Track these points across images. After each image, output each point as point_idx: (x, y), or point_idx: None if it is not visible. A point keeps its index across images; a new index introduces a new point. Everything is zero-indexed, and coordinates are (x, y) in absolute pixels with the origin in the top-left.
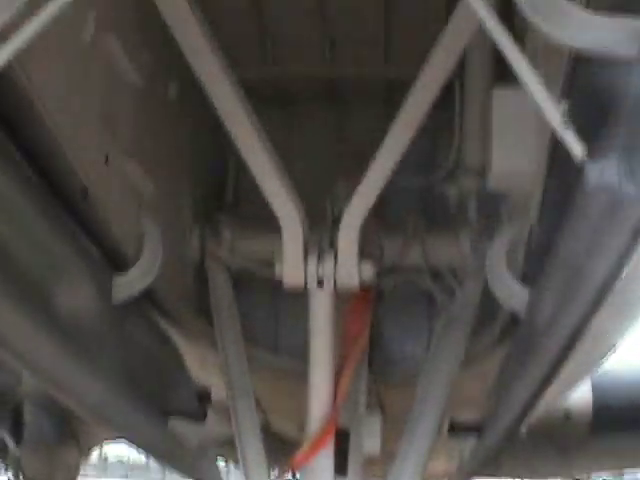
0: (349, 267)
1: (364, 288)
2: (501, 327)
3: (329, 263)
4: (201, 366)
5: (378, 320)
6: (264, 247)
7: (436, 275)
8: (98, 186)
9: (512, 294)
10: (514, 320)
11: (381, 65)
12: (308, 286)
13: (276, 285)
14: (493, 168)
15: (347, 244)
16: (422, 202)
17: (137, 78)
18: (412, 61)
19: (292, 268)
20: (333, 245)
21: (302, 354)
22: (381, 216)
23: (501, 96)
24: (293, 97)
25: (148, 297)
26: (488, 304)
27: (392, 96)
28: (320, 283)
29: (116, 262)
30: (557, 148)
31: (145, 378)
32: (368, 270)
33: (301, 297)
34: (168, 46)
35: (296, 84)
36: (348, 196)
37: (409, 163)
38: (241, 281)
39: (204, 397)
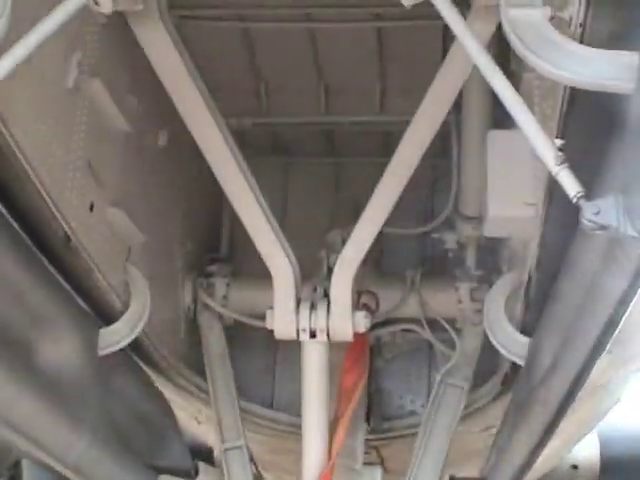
0: (342, 318)
1: (359, 339)
2: (502, 378)
3: (322, 314)
4: (194, 422)
5: (376, 372)
6: (258, 299)
7: (435, 325)
8: (83, 235)
9: (512, 343)
10: (515, 371)
11: (377, 114)
12: (300, 338)
13: (271, 338)
14: (489, 212)
15: (340, 294)
16: (420, 251)
17: (124, 124)
18: (408, 110)
19: (283, 319)
20: (327, 295)
21: (298, 409)
22: (378, 265)
23: (496, 137)
24: (288, 147)
25: (137, 350)
26: (489, 355)
27: (388, 145)
28: (313, 334)
29: (103, 314)
30: (554, 190)
31: (133, 434)
32: (362, 321)
33: (297, 350)
34: (157, 93)
35: (291, 133)
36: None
37: (407, 211)
38: (235, 334)
39: (196, 454)
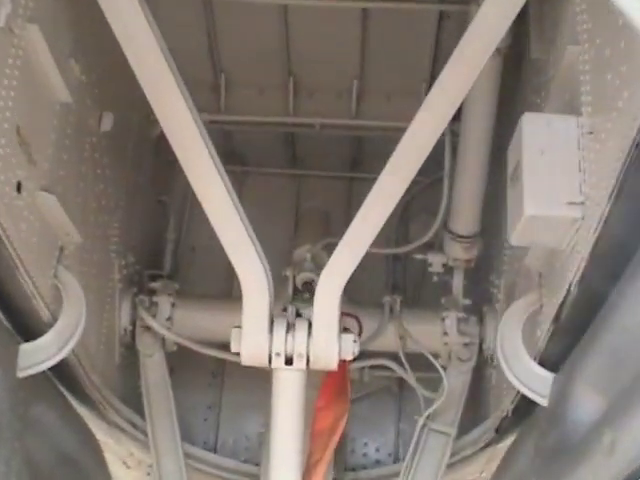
0: (327, 341)
1: (339, 369)
2: (497, 424)
3: (301, 335)
4: (121, 466)
5: None
6: (206, 323)
7: (414, 362)
8: (5, 220)
9: (531, 379)
10: (521, 412)
11: (352, 117)
12: (272, 365)
13: (218, 369)
14: (525, 211)
15: (325, 312)
16: (400, 277)
17: (63, 92)
18: (387, 115)
19: (253, 341)
20: (302, 317)
21: (253, 455)
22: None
23: (532, 122)
24: (245, 153)
25: (63, 375)
26: (478, 396)
27: (358, 157)
28: (288, 361)
29: (25, 326)
30: (623, 185)
31: (54, 476)
32: (350, 346)
33: (252, 384)
34: (104, 67)
35: (250, 138)
36: (315, 263)
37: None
38: (179, 364)
39: None
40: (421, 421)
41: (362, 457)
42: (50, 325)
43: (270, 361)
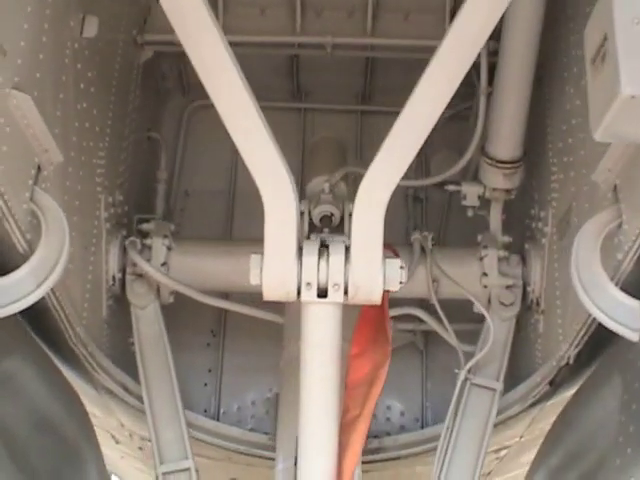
0: (370, 268)
1: (377, 306)
2: (551, 376)
3: (338, 261)
4: (115, 441)
5: None
6: (212, 268)
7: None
8: None
9: (617, 309)
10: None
11: (363, 35)
12: (302, 298)
13: (219, 329)
14: (621, 91)
15: (366, 235)
16: (421, 219)
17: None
18: (403, 33)
19: (279, 270)
20: (336, 241)
21: (260, 423)
22: None
23: None
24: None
25: (42, 326)
26: (521, 348)
27: (370, 84)
28: (322, 293)
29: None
30: None
31: (32, 448)
32: (397, 273)
33: (257, 343)
34: None
35: (250, 67)
36: (334, 195)
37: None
38: (173, 322)
39: None
40: (462, 375)
41: (385, 422)
42: (26, 257)
43: (299, 293)
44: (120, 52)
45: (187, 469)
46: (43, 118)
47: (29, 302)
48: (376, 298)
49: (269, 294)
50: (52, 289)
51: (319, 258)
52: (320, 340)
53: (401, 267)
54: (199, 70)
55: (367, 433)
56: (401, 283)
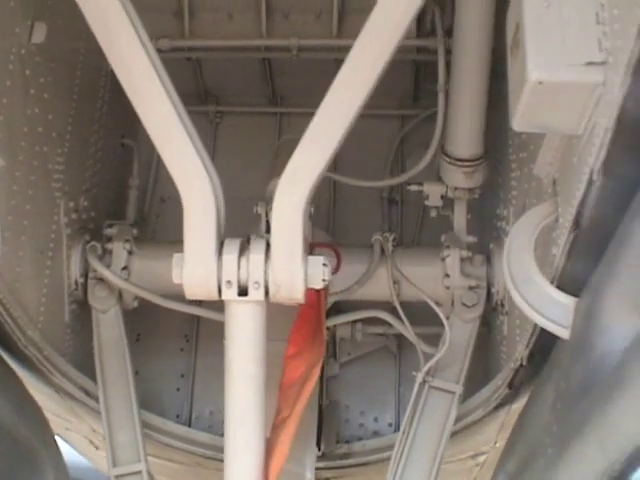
0: (290, 263)
1: (311, 302)
2: (509, 378)
3: (257, 259)
4: (89, 446)
5: (329, 379)
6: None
7: (411, 315)
8: None
9: (549, 307)
10: (537, 358)
11: (332, 37)
12: (223, 296)
13: (187, 326)
14: (528, 76)
15: (285, 231)
16: (397, 221)
17: None
18: None
19: (199, 268)
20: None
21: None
22: (331, 232)
23: None
24: (217, 90)
25: None
26: (487, 351)
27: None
28: (243, 291)
29: None
30: None
31: None
32: (319, 270)
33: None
34: None
35: (222, 71)
36: None
37: (369, 169)
38: (146, 329)
39: None
40: (420, 377)
41: (358, 428)
42: None
43: (220, 292)
44: (82, 59)
45: (139, 472)
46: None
47: None
48: (299, 296)
49: (191, 293)
50: None
51: (240, 256)
52: (243, 339)
53: (324, 264)
54: (115, 67)
55: (297, 433)
56: (324, 281)
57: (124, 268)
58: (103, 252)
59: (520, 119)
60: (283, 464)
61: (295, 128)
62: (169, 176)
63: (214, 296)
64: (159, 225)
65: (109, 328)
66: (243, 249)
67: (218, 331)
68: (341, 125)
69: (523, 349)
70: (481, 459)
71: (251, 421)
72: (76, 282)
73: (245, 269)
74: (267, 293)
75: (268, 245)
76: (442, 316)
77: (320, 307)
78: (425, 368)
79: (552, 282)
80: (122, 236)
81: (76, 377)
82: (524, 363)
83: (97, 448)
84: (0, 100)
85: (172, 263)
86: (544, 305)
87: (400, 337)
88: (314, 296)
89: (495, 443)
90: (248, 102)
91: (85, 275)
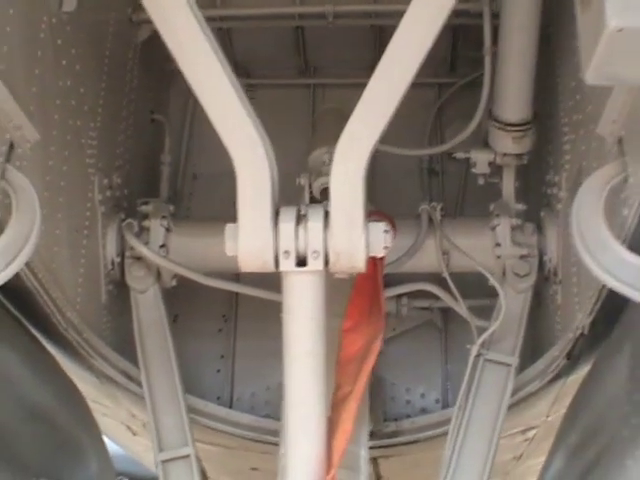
0: (350, 232)
1: (370, 274)
2: (567, 348)
3: (316, 228)
4: (126, 432)
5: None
6: (213, 249)
7: (458, 287)
8: None
9: (622, 269)
10: (599, 327)
11: (365, 3)
12: (281, 267)
13: (230, 314)
14: (606, 23)
15: (346, 198)
16: (437, 193)
17: None
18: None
19: (254, 239)
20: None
21: (275, 409)
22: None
23: None
24: (248, 63)
25: (29, 312)
26: (538, 322)
27: (380, 54)
28: (301, 261)
29: None
30: None
31: (23, 441)
32: (381, 238)
33: (270, 326)
34: None
35: (252, 43)
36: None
37: (407, 137)
38: (184, 309)
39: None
40: (475, 350)
41: (405, 405)
42: None
43: (277, 264)
44: (112, 30)
45: (187, 456)
46: (12, 93)
47: None
48: (360, 265)
49: (246, 265)
50: (33, 272)
51: (297, 225)
52: (302, 312)
53: (385, 231)
54: (169, 43)
55: (359, 410)
56: (386, 248)
57: (162, 246)
58: (140, 230)
59: (594, 71)
60: (346, 444)
61: (329, 100)
62: (201, 152)
63: (270, 267)
64: (192, 202)
65: (149, 308)
66: (299, 218)
67: (257, 310)
68: (397, 90)
69: (585, 317)
70: (531, 434)
71: (312, 399)
72: (112, 262)
73: (303, 238)
74: (327, 263)
75: (326, 213)
76: (497, 286)
77: (377, 278)
78: (480, 340)
79: (624, 244)
80: (159, 213)
81: (116, 360)
82: (585, 332)
83: (135, 434)
84: (32, 71)
85: (225, 234)
86: (617, 268)
87: (446, 311)
88: (370, 266)
89: (547, 417)
90: (280, 74)
91: (121, 254)
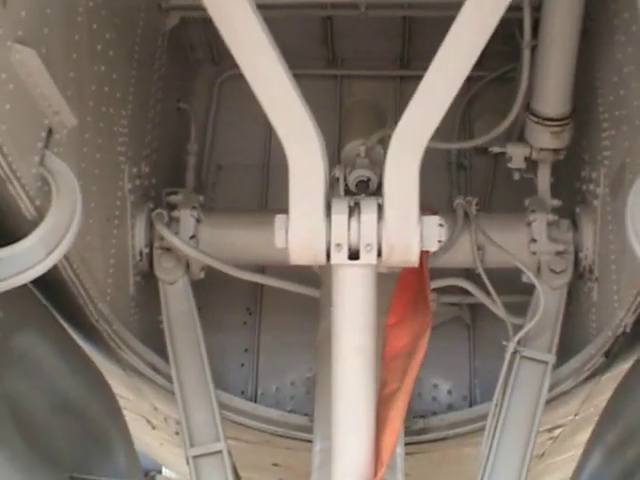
0: (405, 226)
1: (417, 270)
2: (606, 347)
3: (370, 221)
4: (151, 427)
5: None
6: (244, 241)
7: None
8: None
9: None
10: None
11: None
12: (333, 260)
13: (255, 307)
14: None
15: (401, 190)
16: (465, 187)
17: None
18: None
19: (306, 230)
20: (368, 198)
21: (300, 404)
22: None
23: None
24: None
25: (61, 302)
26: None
27: (409, 47)
28: (354, 255)
29: (3, 225)
30: None
31: (53, 432)
32: (435, 231)
33: (295, 320)
34: None
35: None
36: (371, 159)
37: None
38: (207, 301)
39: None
40: (511, 347)
41: (432, 402)
42: (35, 225)
43: (328, 256)
44: (143, 16)
45: (219, 452)
46: (53, 77)
47: (38, 272)
48: (413, 259)
49: (296, 257)
50: (69, 261)
51: (349, 217)
52: (353, 306)
53: (440, 224)
54: (223, 31)
55: (407, 408)
56: (440, 242)
57: (192, 237)
58: (169, 220)
59: None
60: (396, 442)
61: (356, 91)
62: (225, 143)
63: (321, 260)
64: (217, 193)
65: (178, 300)
66: (353, 210)
67: (282, 304)
68: (454, 82)
69: (627, 315)
70: (557, 432)
71: (361, 395)
72: (141, 252)
73: (356, 230)
74: (380, 256)
75: (379, 206)
76: (536, 282)
77: (423, 272)
78: (517, 337)
79: None
80: (189, 203)
81: (144, 352)
82: (628, 330)
83: (154, 428)
84: (70, 55)
85: (274, 225)
86: None
87: (474, 307)
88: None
89: (575, 415)
90: (306, 65)
91: (150, 245)
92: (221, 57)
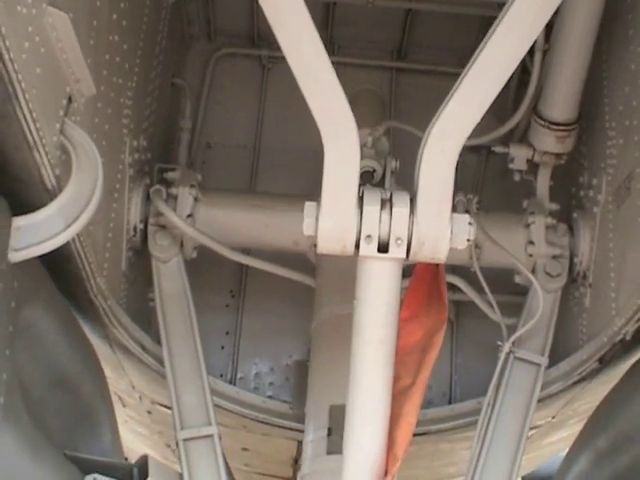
0: (438, 222)
1: (434, 267)
2: (601, 351)
3: (402, 215)
4: (122, 404)
5: None
6: (240, 222)
7: (471, 277)
8: (11, 36)
9: None
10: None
11: None
12: (362, 252)
13: (238, 290)
14: None
15: (435, 185)
16: (465, 177)
17: None
18: None
19: (337, 220)
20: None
21: (279, 391)
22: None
23: None
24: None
25: (62, 274)
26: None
27: (408, 39)
28: (383, 247)
29: (21, 193)
30: None
31: (51, 409)
32: (465, 229)
33: (278, 306)
34: None
35: None
36: (377, 150)
37: None
38: (195, 275)
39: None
40: (506, 348)
41: None
42: (54, 195)
43: (358, 247)
44: None
45: (210, 436)
46: (81, 48)
47: (57, 243)
48: (442, 256)
49: (324, 247)
50: (77, 234)
51: (381, 209)
52: (378, 300)
53: (469, 223)
54: (269, 15)
55: (421, 404)
56: (468, 241)
57: (189, 215)
58: (167, 197)
59: None
60: (410, 437)
61: (349, 79)
62: (216, 121)
63: (349, 251)
64: (205, 172)
65: (171, 279)
66: (384, 202)
67: (266, 288)
68: (498, 80)
69: (630, 323)
70: (530, 433)
71: (379, 387)
72: (135, 228)
73: (387, 223)
74: (409, 250)
75: (411, 199)
76: (536, 283)
77: (439, 268)
78: (512, 338)
79: None
80: (187, 181)
81: (133, 330)
82: (628, 337)
83: (124, 405)
84: (91, 21)
85: (304, 212)
86: None
87: (458, 304)
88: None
89: (553, 418)
90: None
91: (144, 221)
92: (217, 34)
